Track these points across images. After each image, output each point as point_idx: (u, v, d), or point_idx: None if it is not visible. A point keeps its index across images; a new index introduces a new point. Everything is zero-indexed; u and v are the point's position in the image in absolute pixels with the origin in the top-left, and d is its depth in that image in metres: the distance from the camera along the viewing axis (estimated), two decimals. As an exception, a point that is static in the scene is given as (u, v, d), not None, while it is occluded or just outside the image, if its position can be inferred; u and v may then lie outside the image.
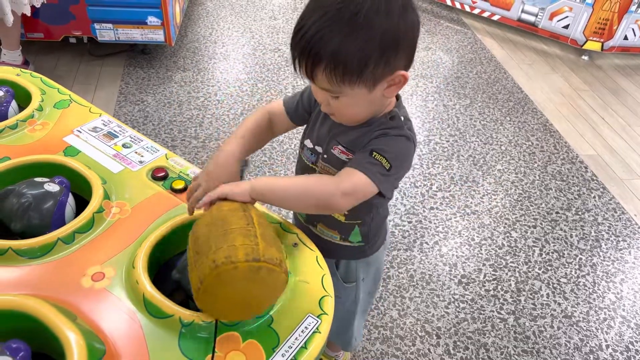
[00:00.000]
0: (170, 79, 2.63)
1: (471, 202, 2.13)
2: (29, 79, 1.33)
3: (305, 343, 0.84)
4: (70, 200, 1.02)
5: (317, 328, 0.86)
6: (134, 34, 2.55)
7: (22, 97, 1.28)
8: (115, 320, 0.84)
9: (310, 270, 0.95)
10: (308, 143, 1.02)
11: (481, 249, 1.93)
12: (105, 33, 2.53)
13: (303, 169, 1.05)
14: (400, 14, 0.79)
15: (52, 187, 1.00)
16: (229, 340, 0.82)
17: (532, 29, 3.38)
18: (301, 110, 1.02)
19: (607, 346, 1.65)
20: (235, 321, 0.83)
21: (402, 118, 0.91)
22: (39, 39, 2.55)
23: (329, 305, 0.91)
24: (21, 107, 1.25)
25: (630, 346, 1.66)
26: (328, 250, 1.02)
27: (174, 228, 0.97)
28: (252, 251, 0.74)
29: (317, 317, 0.88)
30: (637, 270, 1.92)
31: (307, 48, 0.78)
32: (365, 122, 0.92)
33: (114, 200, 1.04)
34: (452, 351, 1.58)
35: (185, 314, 0.82)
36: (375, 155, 0.87)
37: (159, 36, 2.57)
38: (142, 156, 1.16)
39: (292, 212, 1.19)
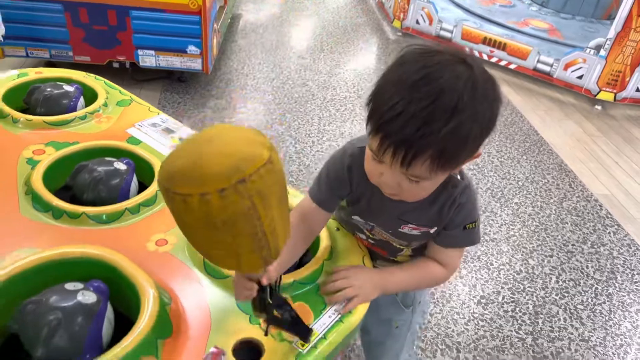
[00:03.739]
0: (204, 105, 2.79)
1: (490, 230, 2.20)
2: (94, 81, 1.47)
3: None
4: (134, 179, 1.12)
5: (360, 297, 0.94)
6: (174, 61, 2.73)
7: (89, 96, 1.40)
8: (178, 278, 0.92)
9: (352, 251, 1.04)
10: (358, 219, 1.00)
11: (499, 273, 1.99)
12: (147, 59, 2.71)
13: (353, 227, 1.04)
14: (495, 97, 0.76)
15: (120, 165, 1.10)
16: (281, 300, 0.90)
17: (547, 78, 3.54)
18: (337, 199, 0.97)
19: (624, 370, 1.68)
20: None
21: (457, 176, 0.90)
22: (85, 62, 2.73)
23: (370, 280, 0.99)
24: (87, 105, 1.38)
25: (647, 372, 1.69)
26: None
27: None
28: None
29: (360, 288, 0.96)
30: (652, 302, 1.97)
31: (410, 140, 0.72)
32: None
33: (173, 182, 1.14)
34: (471, 365, 1.62)
35: (243, 273, 0.90)
36: (468, 227, 0.93)
37: (196, 64, 2.74)
38: (197, 149, 1.27)
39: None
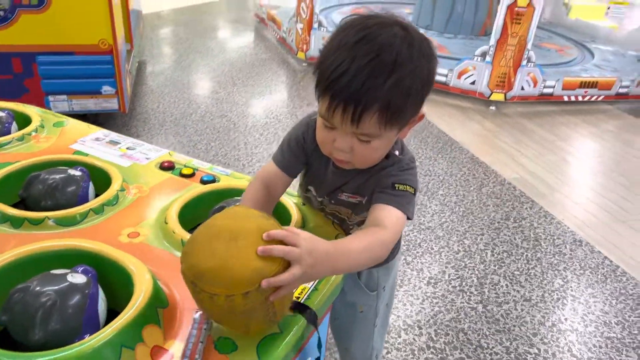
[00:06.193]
0: (125, 144, 2.73)
1: (424, 220, 2.34)
2: (24, 107, 1.42)
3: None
4: (91, 186, 1.10)
5: (339, 253, 0.98)
6: (88, 104, 2.66)
7: (21, 122, 1.36)
8: (158, 261, 0.91)
9: (323, 221, 1.09)
10: (313, 190, 1.05)
11: (441, 255, 2.11)
12: (60, 104, 2.62)
13: (315, 208, 1.09)
14: (430, 54, 0.82)
15: (75, 172, 1.08)
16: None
17: (445, 87, 3.86)
18: (300, 165, 1.01)
19: (566, 319, 1.84)
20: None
21: (396, 152, 0.94)
22: (-11, 114, 2.59)
23: (344, 239, 1.04)
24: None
25: (585, 317, 1.86)
26: None
27: (198, 195, 1.07)
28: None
29: (337, 247, 1.00)
30: (574, 259, 2.18)
31: (357, 94, 0.77)
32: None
33: (132, 184, 1.14)
34: (434, 338, 1.69)
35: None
36: (398, 187, 0.90)
37: (113, 104, 2.69)
38: (147, 154, 1.27)
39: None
